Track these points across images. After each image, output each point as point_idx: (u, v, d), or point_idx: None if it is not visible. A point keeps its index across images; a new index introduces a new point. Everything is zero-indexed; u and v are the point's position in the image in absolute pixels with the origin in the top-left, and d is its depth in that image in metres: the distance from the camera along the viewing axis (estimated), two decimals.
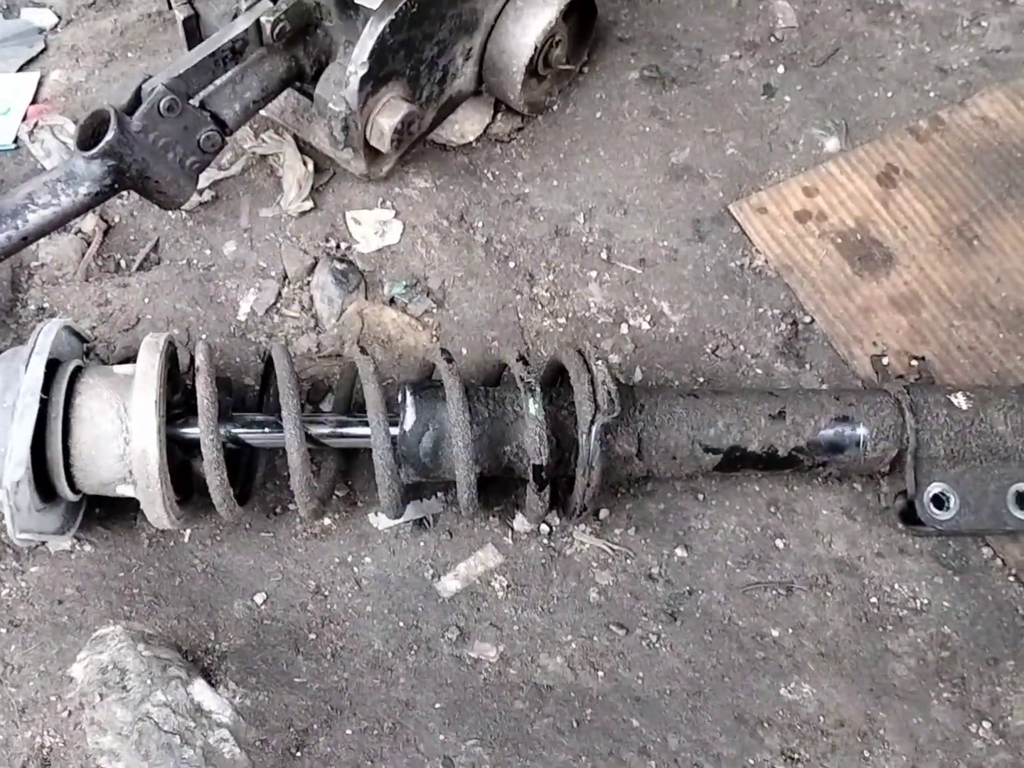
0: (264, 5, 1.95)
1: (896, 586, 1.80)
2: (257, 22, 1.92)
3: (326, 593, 1.79)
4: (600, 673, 1.73)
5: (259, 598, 1.78)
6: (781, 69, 2.42)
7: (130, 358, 1.74)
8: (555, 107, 2.37)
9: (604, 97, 2.38)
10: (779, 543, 1.84)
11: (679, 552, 1.83)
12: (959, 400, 1.75)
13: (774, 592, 1.80)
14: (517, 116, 2.33)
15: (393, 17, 1.87)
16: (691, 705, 1.70)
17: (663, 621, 1.77)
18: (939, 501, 1.74)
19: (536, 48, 2.13)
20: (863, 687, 1.71)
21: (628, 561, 1.82)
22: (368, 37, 1.88)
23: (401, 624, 1.76)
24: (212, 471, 1.61)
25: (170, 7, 2.12)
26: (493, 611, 1.78)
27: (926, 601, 1.79)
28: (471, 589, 1.80)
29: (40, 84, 2.42)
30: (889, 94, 2.37)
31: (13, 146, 2.30)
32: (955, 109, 2.33)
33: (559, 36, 2.18)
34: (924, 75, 2.39)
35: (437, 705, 1.69)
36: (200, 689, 1.63)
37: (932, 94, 2.36)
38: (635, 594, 1.79)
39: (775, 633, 1.76)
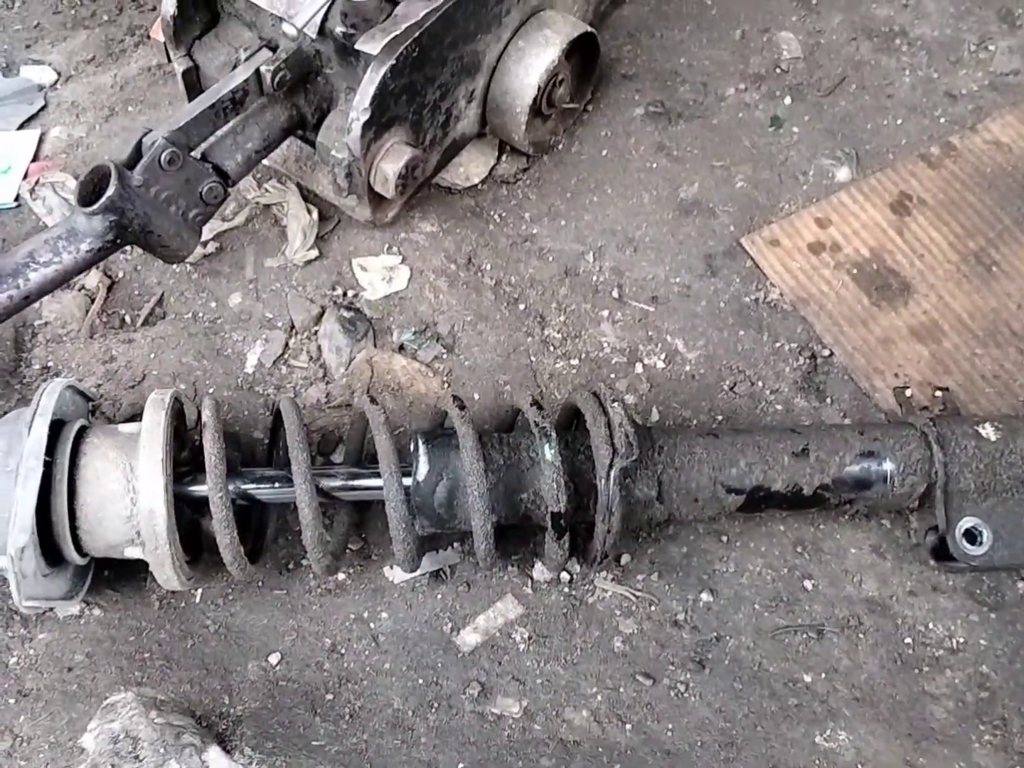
0: (263, 55, 1.94)
1: (931, 625, 1.75)
2: (257, 72, 1.90)
3: (342, 651, 1.74)
4: (628, 726, 1.67)
5: (274, 658, 1.73)
6: (788, 100, 2.39)
7: (136, 415, 1.70)
8: (560, 146, 2.34)
9: (610, 134, 2.36)
10: (807, 584, 1.79)
11: (704, 597, 1.78)
12: (987, 431, 1.70)
13: (804, 636, 1.74)
14: (522, 156, 2.31)
15: (394, 62, 1.85)
16: (724, 757, 1.64)
17: (691, 669, 1.72)
18: (971, 536, 1.68)
19: (539, 88, 2.11)
20: (901, 732, 1.66)
21: (652, 608, 1.77)
22: (369, 83, 1.86)
23: (420, 681, 1.71)
24: (222, 530, 1.57)
25: (169, 60, 2.11)
26: (515, 664, 1.73)
27: (962, 640, 1.73)
28: (491, 642, 1.75)
29: (41, 141, 2.40)
30: (899, 121, 2.34)
31: (15, 204, 2.28)
32: (966, 134, 2.30)
33: (562, 75, 2.16)
34: (933, 101, 2.37)
35: (460, 765, 1.63)
36: (215, 756, 1.58)
37: (942, 120, 2.34)
38: (661, 642, 1.74)
39: (807, 678, 1.71)
